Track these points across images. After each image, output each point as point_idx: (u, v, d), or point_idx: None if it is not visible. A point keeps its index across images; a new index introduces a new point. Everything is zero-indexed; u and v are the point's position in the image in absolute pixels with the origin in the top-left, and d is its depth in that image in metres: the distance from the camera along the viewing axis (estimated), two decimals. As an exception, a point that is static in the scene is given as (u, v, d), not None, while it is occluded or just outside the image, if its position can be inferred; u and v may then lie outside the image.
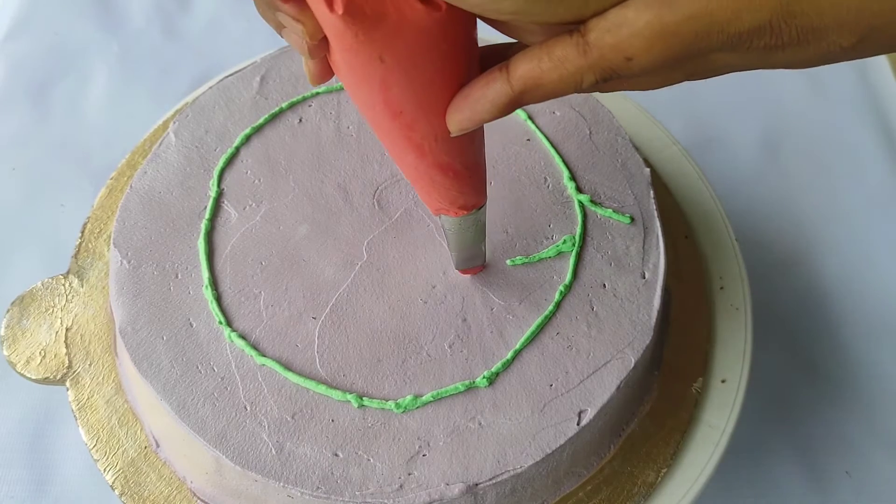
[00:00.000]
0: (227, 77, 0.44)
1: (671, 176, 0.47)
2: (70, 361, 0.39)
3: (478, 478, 0.32)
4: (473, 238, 0.34)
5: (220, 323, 0.35)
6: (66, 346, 0.39)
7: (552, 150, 0.41)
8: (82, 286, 0.41)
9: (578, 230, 0.38)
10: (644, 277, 0.37)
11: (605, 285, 0.37)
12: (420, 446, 0.33)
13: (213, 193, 0.39)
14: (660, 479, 0.37)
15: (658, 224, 0.39)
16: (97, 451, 0.37)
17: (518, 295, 0.37)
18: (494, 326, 0.36)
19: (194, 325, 0.35)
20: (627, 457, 0.38)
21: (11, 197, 0.58)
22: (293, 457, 0.32)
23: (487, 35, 0.27)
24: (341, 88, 0.43)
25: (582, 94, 0.33)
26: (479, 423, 0.33)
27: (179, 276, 0.37)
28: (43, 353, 0.39)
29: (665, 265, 0.38)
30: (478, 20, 0.23)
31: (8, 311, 0.40)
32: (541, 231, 0.38)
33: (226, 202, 0.39)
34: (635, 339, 0.36)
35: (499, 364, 0.34)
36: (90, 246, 0.42)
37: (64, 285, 0.41)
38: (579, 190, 0.40)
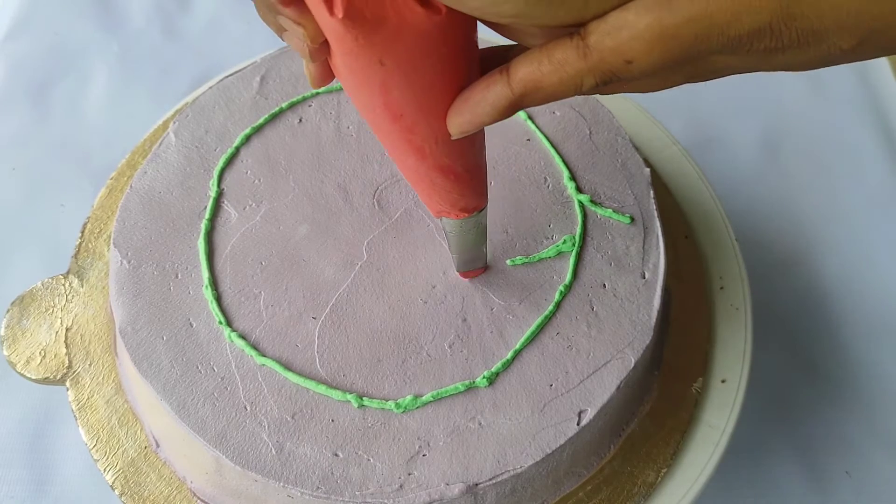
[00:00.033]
0: (227, 77, 0.44)
1: (671, 176, 0.47)
2: (70, 361, 0.39)
3: (478, 478, 0.32)
4: (475, 240, 0.34)
5: (220, 323, 0.35)
6: (66, 346, 0.39)
7: (552, 150, 0.41)
8: (82, 286, 0.41)
9: (578, 230, 0.38)
10: (644, 277, 0.37)
11: (605, 285, 0.37)
12: (420, 446, 0.33)
13: (213, 193, 0.39)
14: (660, 479, 0.37)
15: (658, 224, 0.39)
16: (97, 451, 0.37)
17: (518, 295, 0.37)
18: (494, 326, 0.36)
19: (194, 325, 0.35)
20: (627, 457, 0.38)
21: (11, 197, 0.58)
22: (293, 457, 0.32)
23: (488, 36, 0.27)
24: (341, 88, 0.43)
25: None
26: (479, 423, 0.33)
27: (179, 276, 0.37)
28: (43, 353, 0.39)
29: (665, 265, 0.38)
30: (478, 23, 0.23)
31: (8, 311, 0.40)
32: (541, 231, 0.39)
33: (226, 202, 0.39)
34: (635, 339, 0.36)
35: (499, 364, 0.34)
36: (90, 246, 0.42)
37: (64, 285, 0.41)
38: (579, 190, 0.40)
